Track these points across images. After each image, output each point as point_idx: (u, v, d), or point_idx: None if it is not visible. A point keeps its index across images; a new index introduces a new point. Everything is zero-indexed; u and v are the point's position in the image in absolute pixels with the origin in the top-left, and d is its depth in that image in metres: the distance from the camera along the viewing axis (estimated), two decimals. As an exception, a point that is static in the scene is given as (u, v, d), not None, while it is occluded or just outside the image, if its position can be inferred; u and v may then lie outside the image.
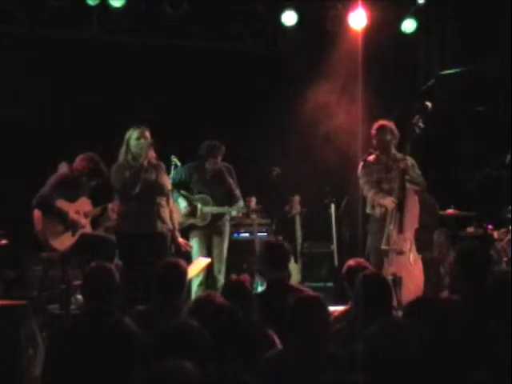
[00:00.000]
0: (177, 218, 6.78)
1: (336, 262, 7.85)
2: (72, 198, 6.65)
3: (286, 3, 8.93)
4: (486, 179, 7.69)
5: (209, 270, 7.20)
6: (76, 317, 5.62)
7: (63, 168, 6.69)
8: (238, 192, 7.45)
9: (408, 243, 6.49)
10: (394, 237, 6.49)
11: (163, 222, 6.39)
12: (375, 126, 6.85)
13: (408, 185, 6.62)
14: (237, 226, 8.22)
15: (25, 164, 7.99)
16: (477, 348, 3.22)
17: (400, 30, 9.25)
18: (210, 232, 7.38)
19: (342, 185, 7.83)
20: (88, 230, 6.79)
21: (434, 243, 7.58)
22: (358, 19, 8.59)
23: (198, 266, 6.69)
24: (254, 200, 7.59)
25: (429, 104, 6.89)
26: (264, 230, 8.19)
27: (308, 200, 8.14)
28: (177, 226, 6.67)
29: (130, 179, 6.27)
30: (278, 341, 3.85)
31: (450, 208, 7.95)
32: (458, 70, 9.23)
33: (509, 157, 7.53)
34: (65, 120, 8.41)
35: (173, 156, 7.37)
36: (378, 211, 6.69)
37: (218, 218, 7.39)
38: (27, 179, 7.40)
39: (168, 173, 6.90)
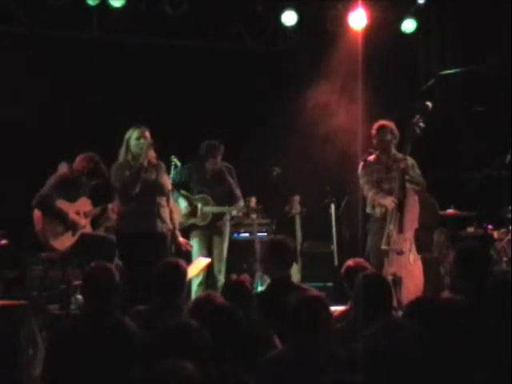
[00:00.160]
0: (177, 218, 6.77)
1: (336, 262, 7.85)
2: (72, 198, 6.66)
3: (286, 3, 8.92)
4: (485, 179, 7.69)
5: (209, 270, 7.20)
6: (76, 317, 5.62)
7: (63, 168, 6.69)
8: (238, 192, 7.46)
9: (408, 243, 6.50)
10: (394, 237, 6.49)
11: (163, 221, 6.39)
12: (375, 125, 6.85)
13: (408, 185, 6.62)
14: (237, 225, 8.22)
15: (25, 164, 7.99)
16: (477, 348, 3.22)
17: (400, 30, 9.24)
18: (210, 232, 7.39)
19: (342, 185, 7.83)
20: (88, 229, 6.79)
21: (434, 243, 7.58)
22: (358, 19, 8.59)
23: (197, 266, 6.69)
24: (253, 200, 7.58)
25: (429, 104, 6.89)
26: (264, 230, 8.18)
27: (308, 200, 8.13)
28: (177, 226, 6.67)
29: (129, 179, 6.27)
30: (278, 341, 3.85)
31: (450, 208, 7.95)
32: (457, 69, 9.23)
33: (509, 157, 7.53)
34: (65, 120, 8.41)
35: (173, 156, 7.37)
36: (378, 211, 6.69)
37: (218, 217, 7.39)
38: (27, 179, 7.40)
39: (168, 173, 6.90)
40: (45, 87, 8.24)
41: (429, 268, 6.63)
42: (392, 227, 6.51)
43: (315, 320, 3.47)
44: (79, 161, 6.69)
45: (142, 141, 6.35)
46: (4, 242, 7.10)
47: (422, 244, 6.70)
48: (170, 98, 8.87)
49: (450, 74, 9.31)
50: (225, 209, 7.42)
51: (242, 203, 7.46)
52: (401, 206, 6.53)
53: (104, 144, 6.94)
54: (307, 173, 8.63)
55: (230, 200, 7.44)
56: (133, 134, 6.39)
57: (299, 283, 4.86)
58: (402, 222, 6.51)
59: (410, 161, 6.78)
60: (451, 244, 7.56)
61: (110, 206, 6.79)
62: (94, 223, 6.97)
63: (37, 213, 6.53)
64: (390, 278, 5.89)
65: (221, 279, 7.19)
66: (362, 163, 6.88)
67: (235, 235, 8.18)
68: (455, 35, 9.45)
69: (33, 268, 7.40)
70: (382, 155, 6.86)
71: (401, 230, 6.50)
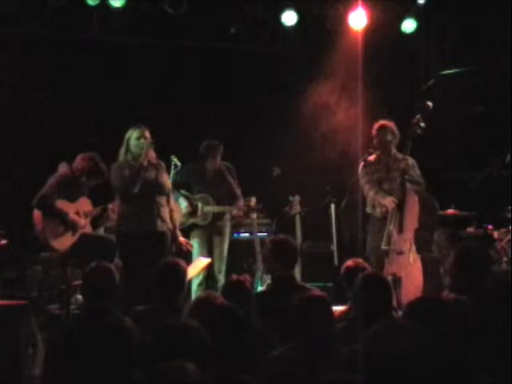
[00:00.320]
0: (178, 218, 6.78)
1: (336, 262, 7.84)
2: (72, 198, 6.66)
3: (286, 3, 8.92)
4: (486, 179, 7.69)
5: (209, 270, 7.21)
6: (76, 317, 5.61)
7: (63, 168, 6.69)
8: (238, 191, 7.46)
9: (408, 243, 6.50)
10: (394, 237, 6.49)
11: (163, 221, 6.39)
12: (376, 125, 6.85)
13: (408, 185, 6.62)
14: (237, 225, 8.22)
15: (25, 164, 7.99)
16: (477, 348, 3.22)
17: (400, 30, 9.25)
18: (210, 232, 7.39)
19: (342, 185, 7.81)
20: (88, 230, 6.79)
21: (433, 243, 7.58)
22: (358, 19, 8.59)
23: (197, 266, 6.70)
24: (253, 200, 7.58)
25: (430, 104, 6.89)
26: (264, 230, 8.19)
27: (308, 200, 8.13)
28: (178, 226, 6.68)
29: (129, 178, 6.28)
30: (277, 340, 3.85)
31: (450, 208, 7.95)
32: (457, 69, 9.23)
33: (509, 157, 7.53)
34: (65, 120, 8.41)
35: (173, 156, 7.37)
36: (378, 211, 6.70)
37: (218, 217, 7.40)
38: (27, 179, 7.40)
39: (168, 173, 6.91)
40: (45, 87, 8.25)
41: (429, 268, 6.63)
42: (392, 227, 6.51)
43: (318, 319, 3.47)
44: (79, 161, 6.69)
45: (141, 141, 6.35)
46: (4, 241, 7.10)
47: (422, 244, 6.70)
48: (170, 97, 8.88)
49: (450, 73, 9.31)
50: (225, 208, 7.42)
51: (242, 203, 7.46)
52: (401, 206, 6.53)
53: (104, 144, 6.95)
54: (307, 173, 8.63)
55: (231, 200, 7.45)
56: (133, 134, 6.39)
57: (302, 283, 4.84)
58: (402, 222, 6.51)
59: (410, 161, 6.78)
60: (451, 244, 7.56)
61: (109, 206, 6.78)
62: (94, 223, 6.97)
63: (37, 213, 6.53)
64: (389, 278, 5.89)
65: (221, 279, 7.20)
66: (362, 163, 6.88)
67: (235, 235, 8.18)
68: (455, 35, 9.45)
69: (33, 268, 7.40)
70: (383, 155, 6.86)
71: (401, 230, 6.50)
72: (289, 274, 4.84)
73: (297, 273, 7.76)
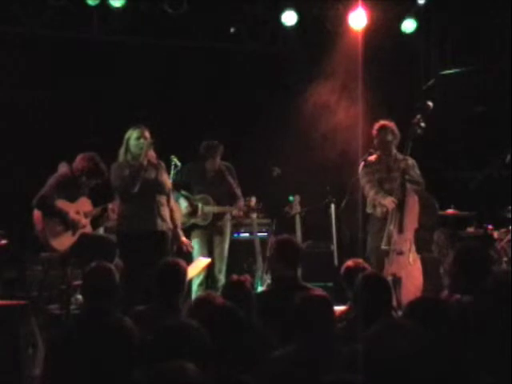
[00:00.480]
0: (178, 217, 6.79)
1: (336, 262, 7.85)
2: (72, 198, 6.65)
3: (286, 3, 8.92)
4: (486, 179, 7.69)
5: (209, 270, 7.21)
6: (76, 317, 5.61)
7: (63, 168, 6.69)
8: (238, 191, 7.46)
9: (408, 243, 6.50)
10: (394, 237, 6.49)
11: (163, 220, 6.40)
12: (376, 126, 6.85)
13: (408, 185, 6.62)
14: (237, 225, 8.22)
15: (25, 164, 7.99)
16: (477, 348, 3.22)
17: (400, 30, 9.25)
18: (211, 232, 7.40)
19: (341, 185, 7.82)
20: (88, 229, 6.79)
21: (433, 243, 7.58)
22: (358, 19, 8.59)
23: (197, 266, 6.70)
24: (253, 200, 7.58)
25: (430, 104, 6.89)
26: (264, 229, 8.19)
27: (308, 200, 8.13)
28: (179, 225, 6.68)
29: (129, 178, 6.29)
30: (277, 340, 3.85)
31: (450, 208, 7.95)
32: (457, 69, 9.23)
33: (509, 157, 7.53)
34: (65, 120, 8.41)
35: (173, 156, 7.37)
36: (379, 211, 6.70)
37: (219, 217, 7.40)
38: (27, 179, 7.40)
39: (168, 173, 6.91)
40: (45, 87, 8.25)
41: (429, 268, 6.64)
42: (392, 227, 6.51)
43: (321, 319, 3.47)
44: (79, 161, 6.69)
45: (141, 140, 6.36)
46: (4, 241, 7.10)
47: (422, 244, 6.71)
48: (170, 97, 8.88)
49: (450, 73, 9.31)
50: (225, 209, 7.43)
51: (242, 203, 7.46)
52: (401, 206, 6.53)
53: (104, 144, 6.95)
54: (307, 173, 8.63)
55: (231, 200, 7.45)
56: (132, 134, 6.40)
57: (305, 283, 4.83)
58: (402, 222, 6.51)
59: (411, 161, 6.78)
60: (451, 244, 7.56)
61: (109, 205, 6.78)
62: (94, 223, 6.97)
63: (37, 213, 6.52)
64: (389, 278, 5.89)
65: (221, 279, 7.20)
66: (362, 163, 6.88)
67: (235, 235, 8.18)
68: (455, 35, 9.45)
69: (33, 268, 7.40)
70: (383, 155, 6.86)
71: (401, 230, 6.50)
72: (290, 273, 4.83)
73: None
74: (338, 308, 4.86)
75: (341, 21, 8.92)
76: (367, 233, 6.94)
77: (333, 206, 8.04)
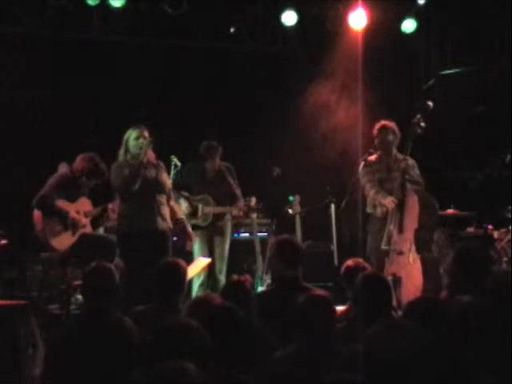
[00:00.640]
0: (181, 213, 6.85)
1: (336, 262, 7.85)
2: (72, 198, 6.65)
3: (286, 3, 8.92)
4: (486, 179, 7.69)
5: (210, 270, 7.21)
6: (76, 317, 5.62)
7: (63, 168, 6.68)
8: (238, 192, 7.46)
9: (408, 243, 6.50)
10: (394, 237, 6.49)
11: (164, 219, 6.42)
12: (377, 126, 6.86)
13: (408, 185, 6.62)
14: (237, 225, 8.22)
15: (25, 164, 7.99)
16: (477, 348, 3.22)
17: (400, 30, 9.25)
18: (211, 232, 7.39)
19: (342, 185, 7.82)
20: (88, 229, 6.79)
21: (433, 243, 7.58)
22: (358, 19, 8.59)
23: (197, 266, 6.70)
24: (253, 200, 7.58)
25: (430, 103, 6.89)
26: (264, 229, 8.19)
27: (308, 200, 8.13)
28: (184, 218, 6.72)
29: (130, 176, 6.32)
30: (277, 340, 3.85)
31: (450, 208, 7.95)
32: (457, 69, 9.23)
33: (509, 157, 7.53)
34: (65, 120, 8.41)
35: (173, 156, 7.37)
36: (379, 211, 6.70)
37: (219, 218, 7.39)
38: (27, 179, 7.40)
39: (168, 173, 6.91)
40: (44, 87, 8.25)
41: (429, 268, 6.64)
42: (392, 227, 6.51)
43: (322, 320, 3.47)
44: (79, 161, 6.69)
45: (140, 140, 6.39)
46: (4, 241, 7.10)
47: (422, 244, 6.70)
48: (170, 97, 8.88)
49: (450, 73, 9.31)
50: (225, 209, 7.42)
51: (242, 203, 7.46)
52: (401, 206, 6.53)
53: (104, 144, 6.95)
54: (307, 173, 8.63)
55: (231, 200, 7.45)
56: (131, 134, 6.42)
57: (305, 284, 4.83)
58: (402, 222, 6.51)
59: (411, 161, 6.78)
60: (451, 244, 7.56)
61: (109, 205, 6.78)
62: (94, 223, 6.97)
63: (37, 213, 6.52)
64: (389, 278, 5.90)
65: (222, 279, 7.19)
66: (362, 163, 6.88)
67: (235, 235, 8.18)
68: (455, 35, 9.45)
69: (33, 268, 7.40)
70: (383, 155, 6.87)
71: (401, 230, 6.50)
72: (290, 273, 4.83)
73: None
74: (338, 308, 4.86)
75: (341, 21, 8.92)
76: (367, 233, 6.94)
77: (333, 205, 8.04)
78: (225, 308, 3.45)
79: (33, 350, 5.02)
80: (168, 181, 6.69)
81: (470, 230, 8.04)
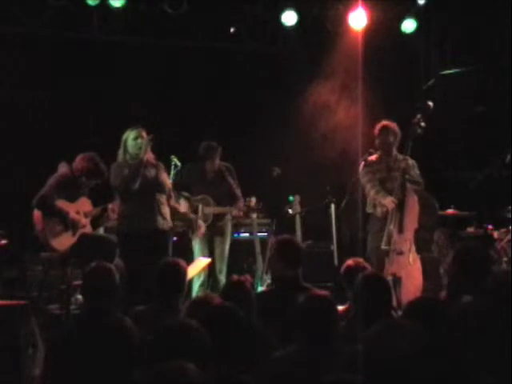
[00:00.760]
0: (184, 207, 6.90)
1: (336, 262, 7.84)
2: (72, 198, 6.65)
3: (286, 3, 8.92)
4: (486, 179, 7.69)
5: (210, 271, 7.20)
6: (76, 317, 5.61)
7: (63, 168, 6.68)
8: (238, 192, 7.46)
9: (408, 243, 6.50)
10: (394, 237, 6.49)
11: (164, 218, 6.44)
12: (378, 126, 6.86)
13: (408, 185, 6.62)
14: (237, 225, 8.22)
15: (25, 164, 7.99)
16: (477, 348, 3.22)
17: (400, 30, 9.25)
18: (211, 232, 7.39)
19: (342, 185, 7.82)
20: (88, 229, 6.79)
21: (433, 243, 7.58)
22: (358, 19, 8.59)
23: (198, 266, 6.70)
24: (253, 200, 7.58)
25: (431, 103, 6.89)
26: (264, 229, 8.19)
27: (308, 200, 8.13)
28: (189, 212, 6.80)
29: (130, 175, 6.34)
30: (276, 340, 3.85)
31: (450, 208, 7.95)
32: (457, 69, 9.23)
33: (509, 157, 7.53)
34: (65, 120, 8.41)
35: (173, 156, 7.36)
36: (379, 211, 6.70)
37: (219, 218, 7.39)
38: (27, 179, 7.40)
39: (168, 173, 6.91)
40: (44, 87, 8.25)
41: (429, 268, 6.63)
42: (392, 227, 6.51)
43: (323, 320, 3.47)
44: (79, 161, 6.68)
45: (139, 140, 6.42)
46: (4, 241, 7.09)
47: (422, 244, 6.70)
48: (170, 97, 8.88)
49: (450, 73, 9.31)
50: (225, 209, 7.42)
51: (242, 204, 7.45)
52: (401, 206, 6.53)
53: (104, 144, 6.95)
54: (307, 173, 8.63)
55: (231, 200, 7.45)
56: (130, 135, 6.45)
57: (306, 284, 4.82)
58: (402, 222, 6.51)
59: (411, 161, 6.79)
60: (451, 244, 7.56)
61: (109, 206, 6.78)
62: (94, 223, 6.97)
63: (37, 213, 6.52)
64: (389, 278, 5.90)
65: (222, 279, 7.19)
66: (362, 163, 6.88)
67: (235, 235, 8.18)
68: (455, 35, 9.45)
69: (33, 268, 7.39)
70: (384, 155, 6.87)
71: (401, 230, 6.50)
72: (290, 273, 4.83)
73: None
74: (338, 308, 4.86)
75: (341, 21, 8.92)
76: (367, 233, 6.94)
77: (333, 205, 8.04)
78: (225, 308, 3.45)
79: (33, 350, 5.02)
80: (168, 180, 6.70)
81: (470, 229, 8.04)
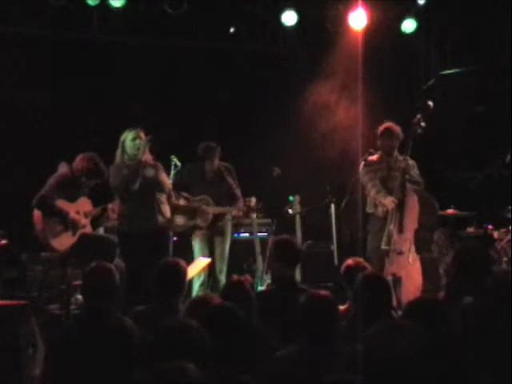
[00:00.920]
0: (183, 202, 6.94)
1: (336, 262, 7.84)
2: (72, 198, 6.65)
3: (286, 3, 8.92)
4: (486, 179, 7.69)
5: (210, 271, 7.20)
6: (76, 317, 5.61)
7: (63, 168, 6.68)
8: (238, 192, 7.45)
9: (408, 243, 6.50)
10: (394, 237, 6.49)
11: (164, 217, 6.44)
12: (382, 127, 6.85)
13: (408, 185, 6.62)
14: (237, 225, 8.21)
15: (25, 164, 7.99)
16: (477, 348, 3.22)
17: (400, 30, 9.25)
18: (211, 232, 7.39)
19: (342, 185, 7.82)
20: (88, 229, 6.79)
21: (433, 243, 7.58)
22: (358, 19, 8.59)
23: (198, 266, 6.70)
24: (253, 200, 7.58)
25: (431, 103, 6.89)
26: (264, 229, 8.19)
27: (308, 200, 8.13)
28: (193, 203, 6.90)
29: (129, 175, 6.35)
30: (276, 340, 3.85)
31: (450, 208, 7.95)
32: (457, 69, 9.23)
33: (509, 157, 7.53)
34: (65, 120, 8.41)
35: (173, 156, 7.36)
36: (380, 210, 6.71)
37: (219, 218, 7.39)
38: (27, 179, 7.40)
39: (168, 173, 6.91)
40: (44, 87, 8.25)
41: (428, 268, 6.63)
42: (392, 227, 6.51)
43: (326, 320, 3.47)
44: (79, 161, 6.69)
45: (137, 141, 6.44)
46: (4, 241, 7.09)
47: (422, 244, 6.70)
48: (170, 97, 8.87)
49: (450, 73, 9.31)
50: (225, 209, 7.42)
51: (241, 204, 7.45)
52: (401, 206, 6.53)
53: (104, 144, 6.95)
54: (307, 173, 8.63)
55: (231, 200, 7.44)
56: (128, 136, 6.47)
57: (301, 285, 4.84)
58: (401, 222, 6.51)
59: (411, 161, 6.79)
60: (451, 244, 7.56)
61: (109, 206, 6.78)
62: (94, 223, 6.97)
63: (37, 213, 6.52)
64: (389, 278, 5.90)
65: (222, 279, 7.19)
66: (362, 163, 6.87)
67: (235, 235, 8.18)
68: (455, 35, 9.45)
69: (33, 268, 7.39)
70: (384, 155, 6.87)
71: (401, 230, 6.50)
72: (289, 273, 4.84)
73: (297, 273, 7.79)
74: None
75: (341, 21, 8.92)
76: (367, 232, 6.94)
77: (333, 205, 8.04)
78: (224, 308, 3.45)
79: (33, 350, 5.02)
80: (167, 180, 6.71)
81: (470, 229, 8.04)
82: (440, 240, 7.76)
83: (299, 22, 9.01)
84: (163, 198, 6.51)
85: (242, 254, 8.11)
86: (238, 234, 8.32)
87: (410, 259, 6.46)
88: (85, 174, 6.66)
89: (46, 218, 6.50)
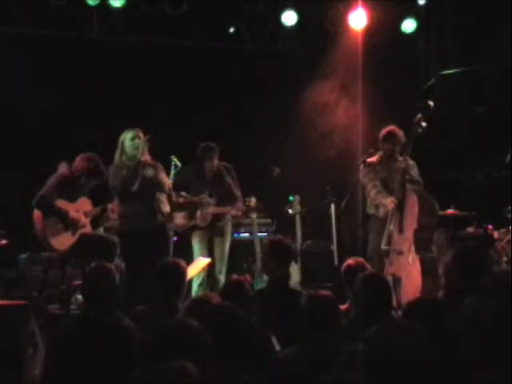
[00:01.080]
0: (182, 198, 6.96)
1: (336, 262, 7.85)
2: (72, 198, 6.65)
3: (286, 3, 8.93)
4: (486, 179, 7.69)
5: (210, 270, 7.20)
6: (76, 317, 5.61)
7: (63, 168, 6.68)
8: (238, 192, 7.45)
9: (407, 243, 6.50)
10: (394, 237, 6.50)
11: (164, 216, 6.45)
12: (385, 131, 6.85)
13: (408, 185, 6.62)
14: (237, 225, 8.22)
15: (25, 164, 7.99)
16: (476, 349, 3.22)
17: (400, 30, 9.25)
18: (211, 232, 7.38)
19: (342, 185, 7.82)
20: (88, 229, 6.79)
21: (433, 243, 7.58)
22: (358, 19, 8.59)
23: (197, 266, 6.69)
24: (253, 200, 7.58)
25: (431, 103, 6.89)
26: (264, 229, 8.19)
27: (308, 200, 8.14)
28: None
29: (128, 176, 6.34)
30: (275, 340, 3.85)
31: (450, 208, 7.95)
32: (457, 69, 9.23)
33: (509, 157, 7.53)
34: (65, 120, 8.41)
35: (173, 156, 7.36)
36: (381, 211, 6.71)
37: (219, 218, 7.39)
38: (27, 179, 7.40)
39: (168, 173, 6.92)
40: (45, 87, 8.25)
41: (428, 268, 6.63)
42: (392, 227, 6.52)
43: (327, 320, 3.47)
44: (79, 161, 6.68)
45: (136, 141, 6.44)
46: (4, 241, 7.09)
47: (422, 244, 6.69)
48: (170, 97, 8.87)
49: (450, 74, 9.31)
50: (225, 209, 7.42)
51: (241, 204, 7.45)
52: (401, 206, 6.53)
53: (104, 144, 6.95)
54: (307, 173, 8.64)
55: (230, 200, 7.44)
56: (127, 136, 6.47)
57: (292, 287, 4.88)
58: (401, 222, 6.51)
59: (411, 162, 6.80)
60: (451, 244, 7.56)
61: (109, 206, 6.78)
62: (94, 223, 6.97)
63: (37, 213, 6.52)
64: (389, 278, 5.90)
65: (222, 279, 7.19)
66: (363, 163, 6.87)
67: (235, 235, 8.18)
68: (455, 35, 9.45)
69: (33, 268, 7.39)
70: (385, 156, 6.88)
71: (401, 230, 6.50)
72: (281, 273, 4.85)
73: (297, 273, 7.80)
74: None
75: (341, 21, 8.93)
76: (367, 232, 6.94)
77: (333, 205, 8.04)
78: (224, 307, 3.45)
79: (33, 350, 5.02)
80: (167, 179, 6.71)
81: (470, 229, 8.04)
82: (440, 240, 7.76)
83: (299, 22, 9.02)
84: (163, 197, 6.52)
85: (241, 254, 8.11)
86: (238, 233, 8.32)
87: (410, 259, 6.46)
88: (84, 174, 6.66)
89: (45, 218, 6.49)
